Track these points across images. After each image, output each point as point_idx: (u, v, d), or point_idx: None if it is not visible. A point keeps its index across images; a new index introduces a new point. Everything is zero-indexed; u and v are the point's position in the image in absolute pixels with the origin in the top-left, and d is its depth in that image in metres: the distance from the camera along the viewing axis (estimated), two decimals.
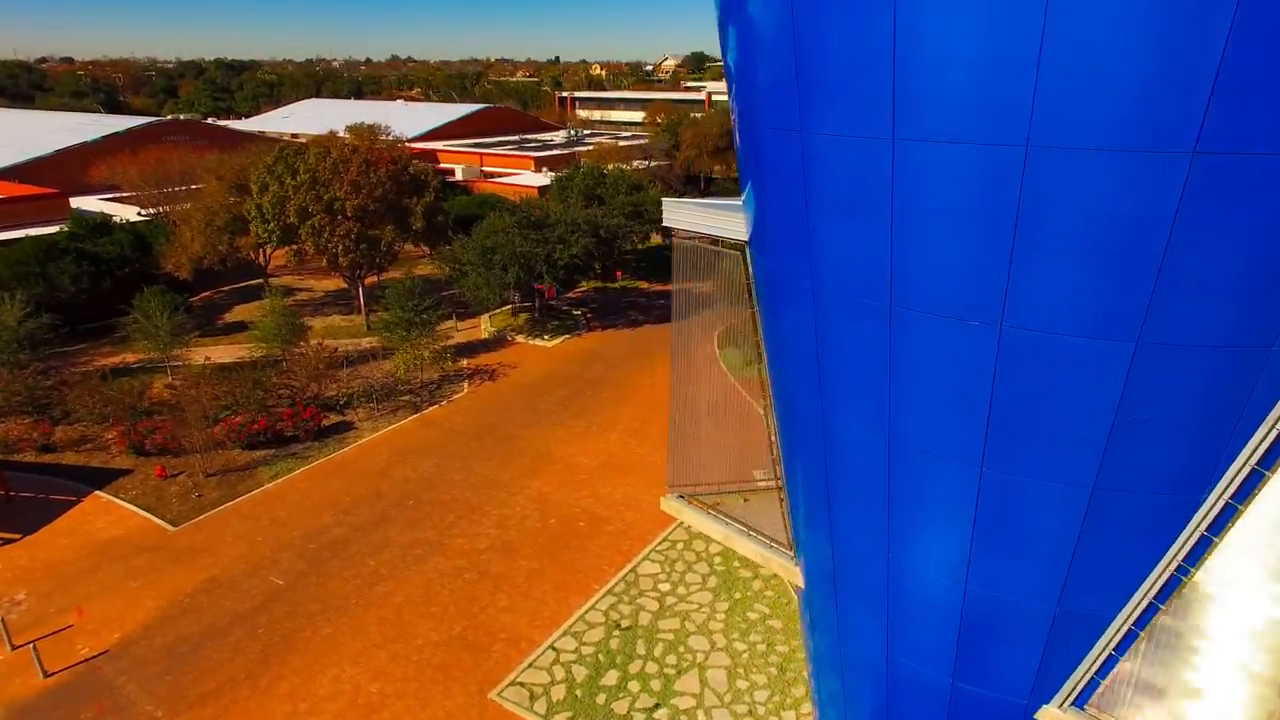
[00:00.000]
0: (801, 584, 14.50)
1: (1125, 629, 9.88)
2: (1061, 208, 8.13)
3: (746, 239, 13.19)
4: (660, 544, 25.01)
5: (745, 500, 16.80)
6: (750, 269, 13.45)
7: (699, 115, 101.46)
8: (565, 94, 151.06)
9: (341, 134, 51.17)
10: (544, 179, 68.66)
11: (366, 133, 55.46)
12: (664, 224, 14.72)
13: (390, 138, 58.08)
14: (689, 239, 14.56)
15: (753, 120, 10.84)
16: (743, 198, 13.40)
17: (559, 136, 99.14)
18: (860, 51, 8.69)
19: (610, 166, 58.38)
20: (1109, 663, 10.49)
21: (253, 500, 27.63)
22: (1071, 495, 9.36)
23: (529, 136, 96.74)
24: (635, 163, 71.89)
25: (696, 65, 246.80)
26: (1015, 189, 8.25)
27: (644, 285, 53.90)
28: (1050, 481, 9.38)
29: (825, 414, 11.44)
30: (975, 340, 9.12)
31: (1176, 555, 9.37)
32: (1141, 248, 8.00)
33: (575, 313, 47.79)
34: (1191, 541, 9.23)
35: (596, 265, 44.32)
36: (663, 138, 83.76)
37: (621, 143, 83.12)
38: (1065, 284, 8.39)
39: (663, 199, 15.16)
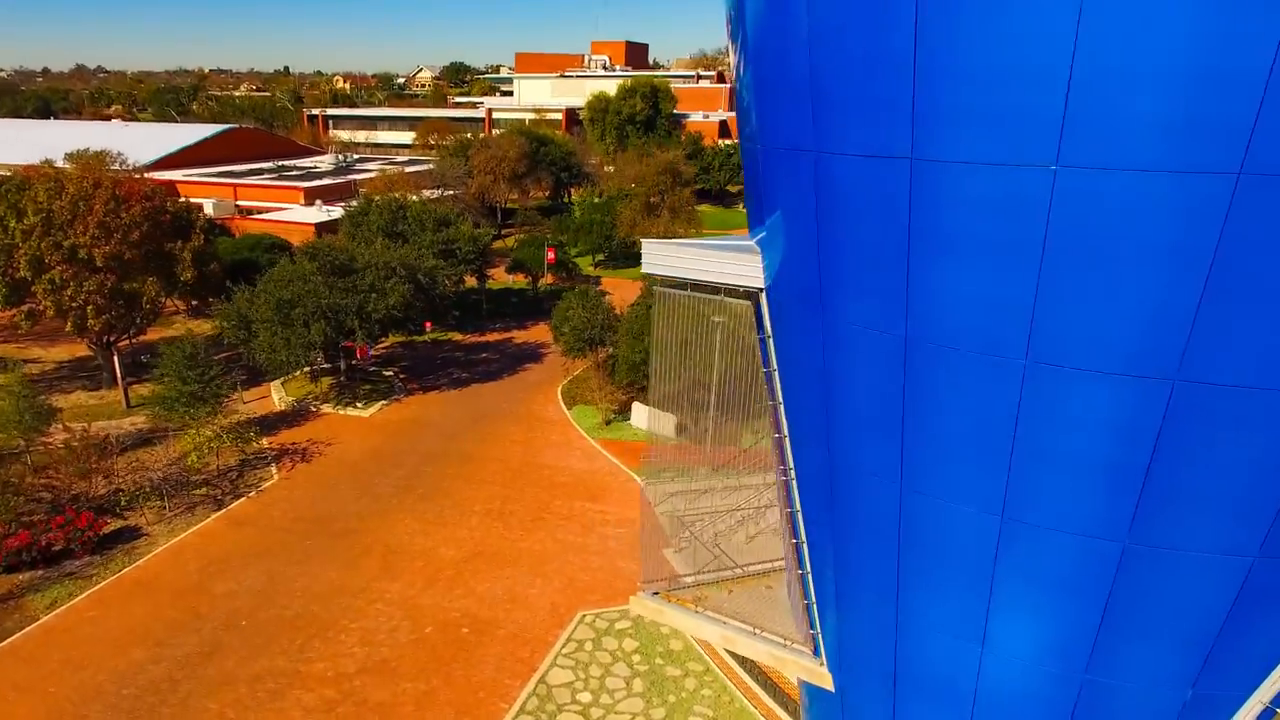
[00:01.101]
0: (830, 686, 14.38)
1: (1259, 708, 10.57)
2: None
3: (762, 286, 12.98)
4: (565, 645, 24.15)
5: (729, 592, 16.57)
6: (767, 321, 13.15)
7: (483, 135, 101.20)
8: (315, 111, 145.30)
9: (59, 164, 46.35)
10: (320, 214, 65.47)
11: (94, 161, 50.67)
12: (646, 270, 14.13)
13: (124, 167, 53.38)
14: (676, 288, 14.14)
15: (809, 146, 10.58)
16: (753, 238, 13.35)
17: (324, 162, 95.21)
18: (1026, 65, 8.54)
19: (413, 198, 56.66)
20: None
21: (30, 640, 23.79)
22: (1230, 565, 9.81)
23: (287, 163, 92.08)
24: (425, 192, 70.29)
25: (455, 77, 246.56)
26: (1218, 224, 8.34)
27: (458, 337, 52.38)
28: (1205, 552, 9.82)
29: (908, 485, 11.34)
30: (1145, 397, 9.23)
31: None
32: None
33: (386, 374, 45.59)
34: None
35: (416, 316, 42.60)
36: (452, 162, 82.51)
37: (406, 169, 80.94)
38: (1259, 331, 8.64)
39: (642, 240, 14.71)
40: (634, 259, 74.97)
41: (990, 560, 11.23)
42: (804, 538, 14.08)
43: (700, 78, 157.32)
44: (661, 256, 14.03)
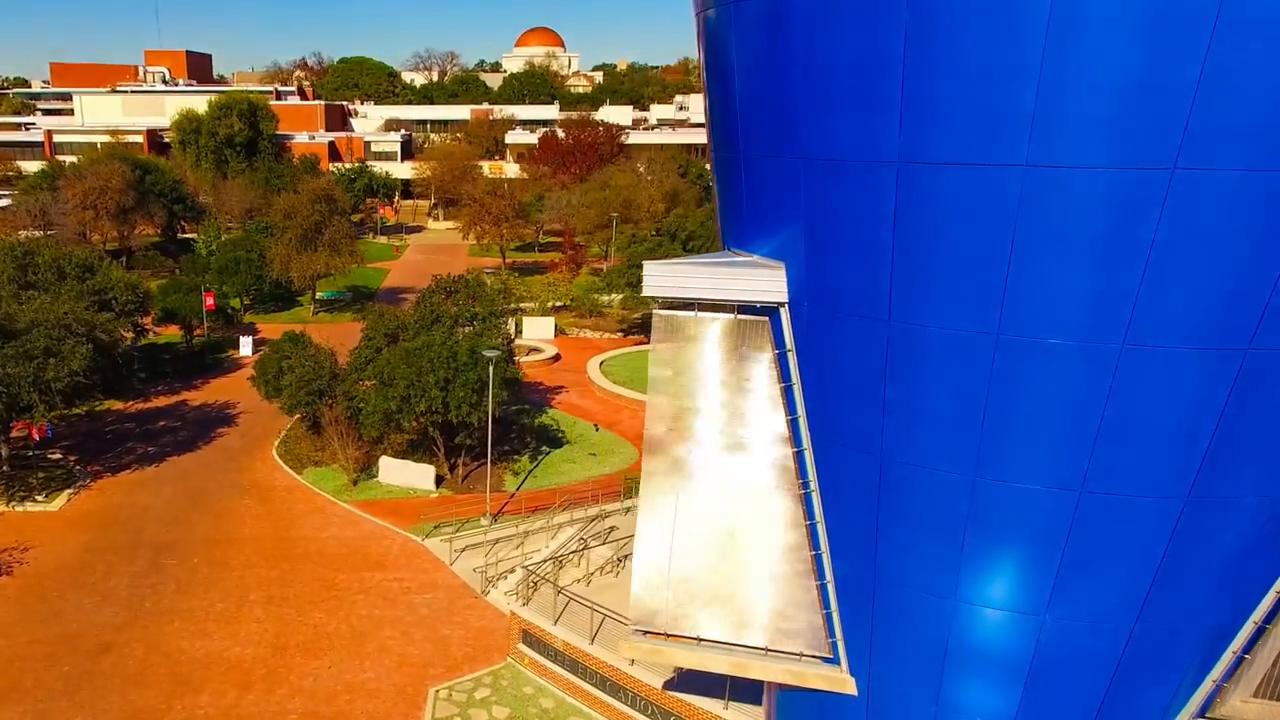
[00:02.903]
0: (854, 690, 15.61)
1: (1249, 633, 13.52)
2: None
3: (784, 300, 14.04)
4: None
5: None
6: (788, 334, 14.19)
7: (70, 162, 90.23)
8: None
9: None
10: None
11: None
12: (649, 293, 14.65)
13: None
14: (680, 309, 14.73)
15: (892, 157, 11.94)
16: (747, 253, 14.42)
17: None
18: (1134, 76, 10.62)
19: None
20: (1233, 665, 14.05)
21: None
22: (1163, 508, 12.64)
23: None
24: (22, 233, 61.41)
25: None
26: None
27: (118, 406, 46.53)
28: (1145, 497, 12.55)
29: (982, 472, 12.97)
30: (1097, 364, 11.94)
31: None
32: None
33: (53, 456, 39.56)
34: None
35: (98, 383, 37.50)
36: (39, 196, 72.56)
37: None
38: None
39: (644, 262, 15.12)
40: (289, 300, 71.01)
41: (1064, 530, 13.27)
42: (825, 548, 15.25)
43: (280, 93, 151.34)
44: (667, 278, 14.78)
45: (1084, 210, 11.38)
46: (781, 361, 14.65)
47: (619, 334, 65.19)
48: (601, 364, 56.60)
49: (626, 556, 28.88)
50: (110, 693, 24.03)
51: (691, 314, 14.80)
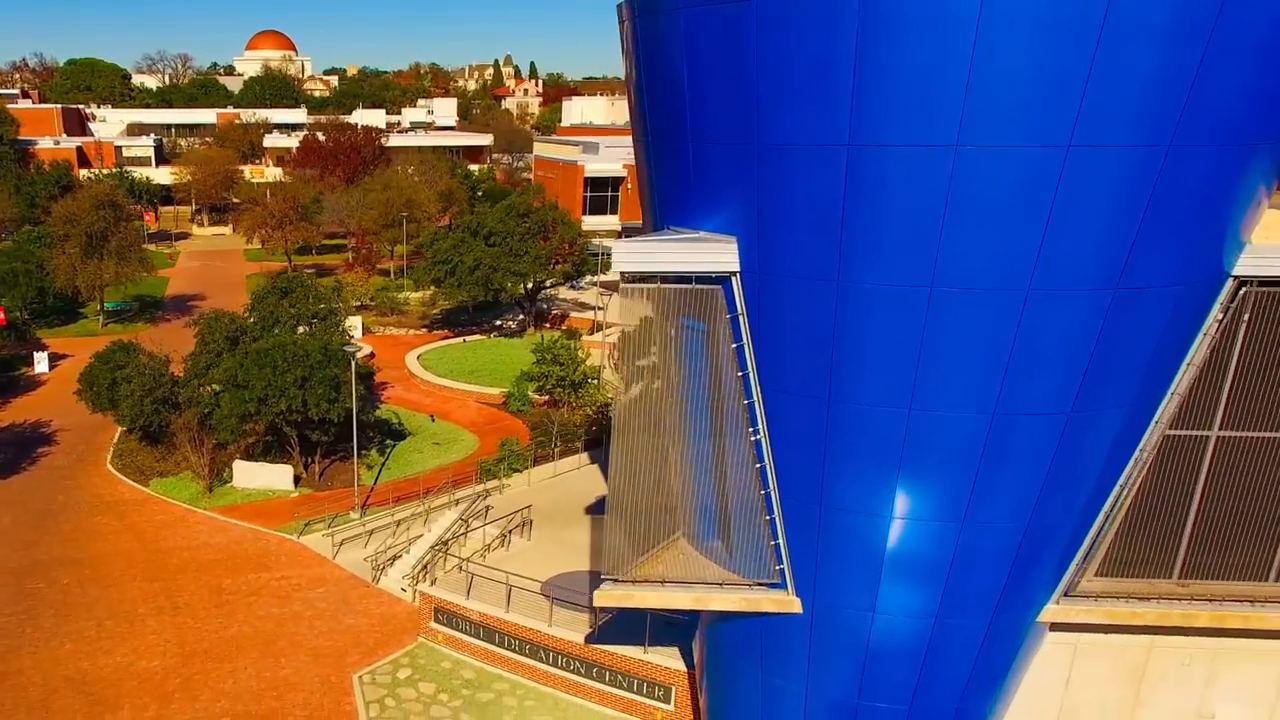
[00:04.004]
0: (800, 609, 17.51)
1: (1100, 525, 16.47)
2: None
3: (736, 270, 15.60)
4: (369, 711, 23.40)
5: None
6: (739, 300, 15.75)
7: None
8: None
9: None
10: None
11: None
12: (619, 269, 15.78)
13: None
14: (644, 282, 15.89)
15: (843, 141, 13.75)
16: (697, 229, 15.91)
17: None
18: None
19: None
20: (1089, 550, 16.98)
21: None
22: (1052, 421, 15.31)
23: None
24: None
25: None
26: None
27: None
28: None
29: (917, 404, 15.05)
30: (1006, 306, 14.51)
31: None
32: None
33: None
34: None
35: None
36: None
37: None
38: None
39: (614, 241, 16.12)
40: (71, 313, 66.03)
41: (980, 448, 15.61)
42: (773, 486, 17.02)
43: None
44: (635, 255, 16.00)
45: (1001, 182, 13.60)
46: (734, 324, 16.21)
47: (424, 330, 64.86)
48: (419, 358, 56.38)
49: (510, 532, 29.77)
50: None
51: (654, 285, 16.04)
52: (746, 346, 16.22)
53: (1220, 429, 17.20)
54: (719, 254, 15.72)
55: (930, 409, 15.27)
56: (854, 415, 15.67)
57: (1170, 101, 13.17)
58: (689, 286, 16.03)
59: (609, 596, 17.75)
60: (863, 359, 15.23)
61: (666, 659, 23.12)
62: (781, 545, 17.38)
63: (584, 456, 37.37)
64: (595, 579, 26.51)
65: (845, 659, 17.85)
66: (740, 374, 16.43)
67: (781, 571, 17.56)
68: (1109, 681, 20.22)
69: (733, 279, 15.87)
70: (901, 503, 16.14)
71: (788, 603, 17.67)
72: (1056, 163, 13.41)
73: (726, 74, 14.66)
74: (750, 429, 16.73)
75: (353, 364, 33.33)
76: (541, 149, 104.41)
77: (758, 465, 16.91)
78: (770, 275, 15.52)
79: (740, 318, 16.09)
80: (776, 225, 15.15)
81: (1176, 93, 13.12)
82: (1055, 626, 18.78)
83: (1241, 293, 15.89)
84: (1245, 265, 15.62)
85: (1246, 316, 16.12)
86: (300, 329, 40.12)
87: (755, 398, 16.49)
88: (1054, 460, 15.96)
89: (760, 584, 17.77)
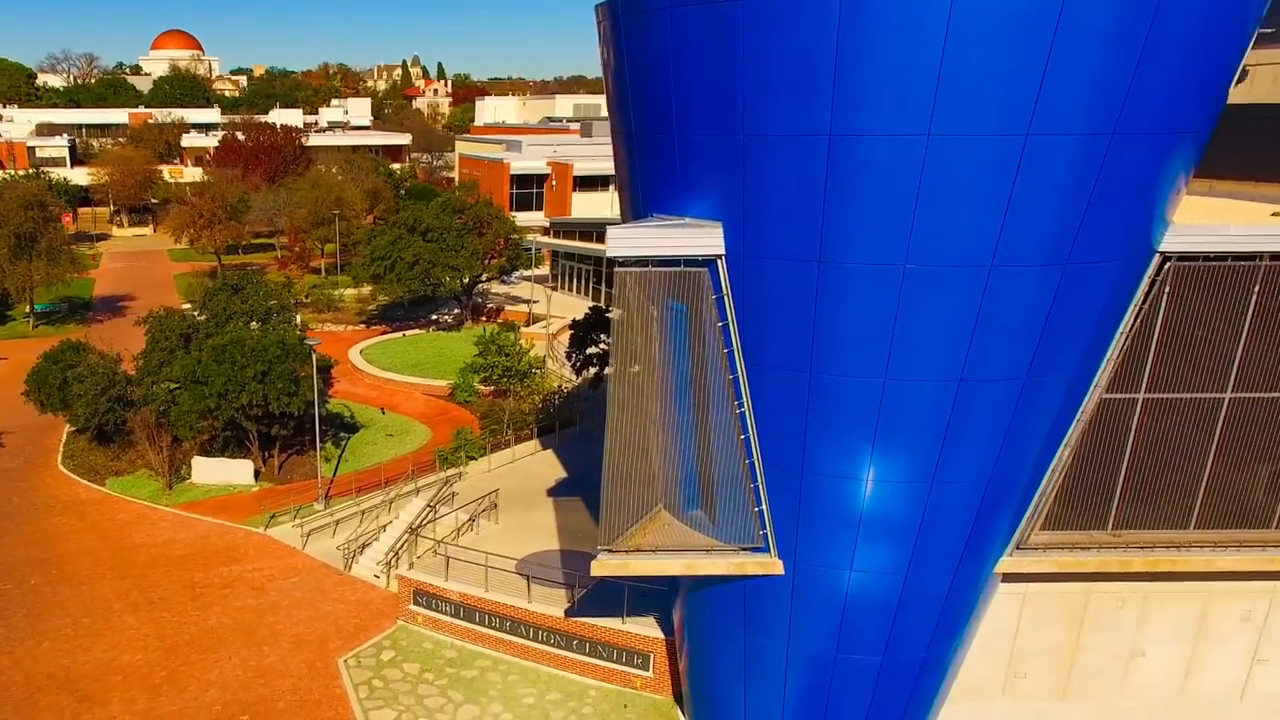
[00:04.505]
0: (781, 571, 18.49)
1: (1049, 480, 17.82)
2: None
3: (721, 253, 16.48)
4: (359, 692, 23.81)
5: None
6: (725, 281, 16.63)
7: None
8: None
9: None
10: None
11: None
12: (612, 254, 16.40)
13: None
14: (641, 267, 16.64)
15: (825, 130, 14.71)
16: (682, 216, 16.78)
17: None
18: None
19: None
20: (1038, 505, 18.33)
21: None
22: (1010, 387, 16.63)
23: None
24: None
25: None
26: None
27: None
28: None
29: (892, 373, 16.12)
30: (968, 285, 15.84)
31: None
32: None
33: None
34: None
35: None
36: None
37: None
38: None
39: (608, 226, 16.73)
40: (2, 318, 63.86)
41: (948, 412, 16.76)
42: (757, 456, 17.96)
43: None
44: (630, 240, 16.80)
45: (968, 167, 14.73)
46: (719, 304, 17.11)
47: (361, 326, 64.45)
48: (362, 352, 56.16)
49: (478, 516, 30.25)
50: None
51: (646, 269, 16.78)
52: (731, 325, 17.12)
53: (1146, 391, 18.63)
54: (706, 238, 16.58)
55: (903, 378, 16.38)
56: (833, 386, 16.69)
57: (1114, 94, 14.49)
58: (676, 269, 16.85)
59: (606, 566, 18.47)
60: (842, 333, 16.25)
61: (644, 628, 23.93)
62: (765, 511, 18.36)
63: (537, 443, 37.93)
64: (567, 557, 27.48)
65: (824, 615, 18.92)
66: (725, 351, 17.31)
67: (765, 536, 18.53)
68: (1053, 627, 21.73)
69: (718, 261, 16.73)
70: (877, 466, 17.22)
71: (771, 565, 18.65)
72: (1016, 149, 14.58)
73: (713, 70, 15.53)
74: (735, 402, 17.64)
75: (314, 357, 33.31)
76: (466, 148, 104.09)
77: (742, 436, 17.85)
78: (754, 257, 16.45)
79: (725, 298, 16.97)
80: (760, 210, 16.06)
81: (1119, 86, 14.42)
82: (1008, 577, 20.13)
83: (1166, 267, 17.26)
84: (1170, 242, 17.05)
85: (1168, 289, 17.53)
86: (253, 325, 39.75)
87: (740, 373, 17.39)
88: (1011, 423, 17.24)
89: (744, 549, 18.70)
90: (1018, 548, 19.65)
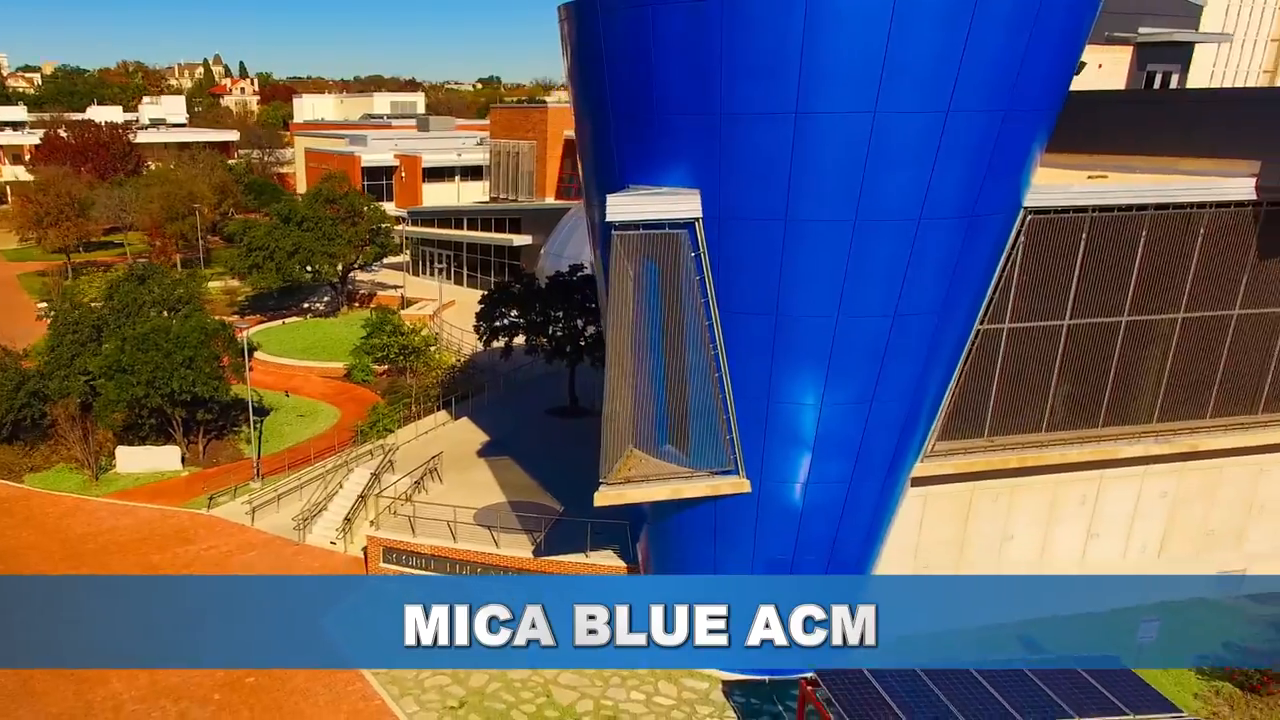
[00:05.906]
0: (749, 489, 20.63)
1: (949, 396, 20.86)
2: None
3: (699, 216, 18.37)
4: None
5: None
6: (702, 240, 18.58)
7: None
8: None
9: None
10: None
11: None
12: (611, 219, 17.95)
13: None
14: (635, 230, 18.31)
15: (790, 109, 16.85)
16: (659, 186, 18.65)
17: None
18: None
19: None
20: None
21: None
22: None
23: None
24: None
25: None
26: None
27: None
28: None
29: (845, 310, 18.47)
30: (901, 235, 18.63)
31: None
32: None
33: None
34: None
35: None
36: None
37: None
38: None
39: (608, 195, 18.16)
40: None
41: (884, 342, 19.29)
42: (729, 390, 20.00)
43: None
44: (626, 207, 18.46)
45: (905, 137, 17.16)
46: (696, 261, 18.98)
47: (235, 316, 62.44)
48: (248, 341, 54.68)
49: (422, 480, 30.97)
50: None
51: (637, 232, 18.42)
52: (707, 277, 19.12)
53: (1010, 322, 21.80)
54: (689, 203, 18.51)
55: (852, 314, 18.77)
56: (796, 325, 18.95)
57: (1005, 80, 17.31)
58: (660, 232, 18.56)
59: (608, 496, 20.11)
60: (802, 279, 18.52)
61: (607, 559, 25.61)
62: (734, 439, 20.44)
63: (450, 412, 38.63)
64: (516, 506, 28.71)
65: (783, 524, 21.30)
66: (702, 301, 19.22)
67: (734, 459, 20.61)
68: (947, 522, 24.91)
69: (696, 223, 18.59)
70: (829, 390, 19.59)
71: (741, 484, 20.82)
72: (939, 123, 17.08)
73: (691, 58, 17.34)
74: (710, 345, 19.58)
75: (245, 342, 32.89)
76: (311, 142, 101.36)
77: (716, 374, 19.87)
78: (727, 218, 18.36)
79: (702, 254, 18.88)
80: (734, 177, 18.02)
81: (1010, 71, 17.21)
82: (916, 481, 23.01)
83: (1027, 220, 20.35)
84: (1032, 199, 20.17)
85: (1023, 238, 20.62)
86: (165, 314, 38.39)
87: (714, 319, 19.36)
88: (929, 350, 20.00)
89: (716, 472, 20.73)
90: (926, 456, 22.53)
